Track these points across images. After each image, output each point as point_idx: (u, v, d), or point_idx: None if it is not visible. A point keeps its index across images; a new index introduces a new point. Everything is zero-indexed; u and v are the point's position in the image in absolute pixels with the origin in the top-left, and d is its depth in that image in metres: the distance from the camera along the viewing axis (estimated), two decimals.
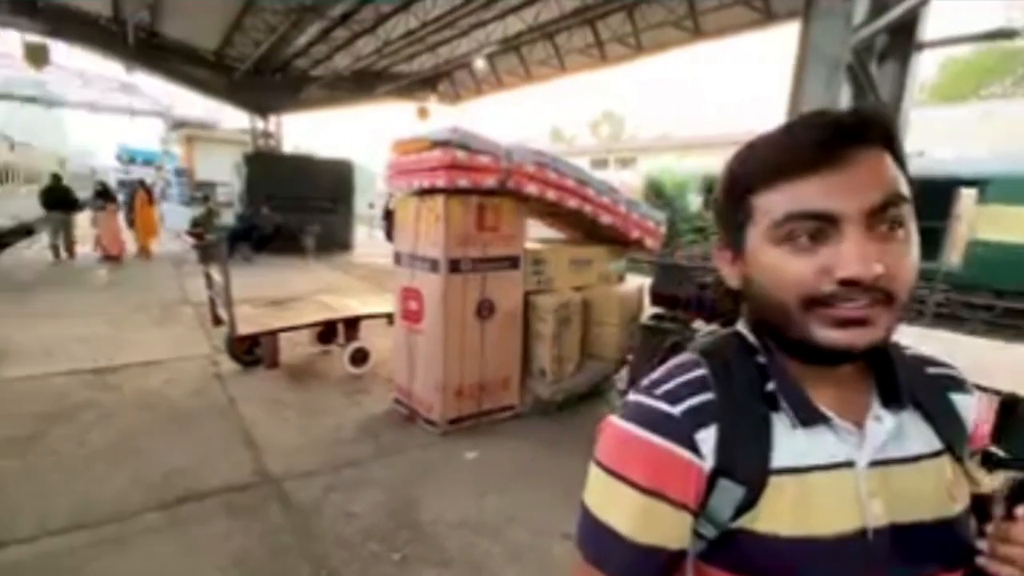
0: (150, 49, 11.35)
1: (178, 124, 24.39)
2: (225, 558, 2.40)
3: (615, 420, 0.62)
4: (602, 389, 4.48)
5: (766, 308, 0.58)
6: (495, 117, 26.57)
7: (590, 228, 4.50)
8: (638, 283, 4.70)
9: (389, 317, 5.05)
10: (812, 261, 0.53)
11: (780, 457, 0.56)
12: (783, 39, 6.01)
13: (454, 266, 3.56)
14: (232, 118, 21.03)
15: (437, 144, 3.46)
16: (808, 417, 0.57)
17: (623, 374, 4.38)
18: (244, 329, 4.38)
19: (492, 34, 10.38)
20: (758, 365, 0.61)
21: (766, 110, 14.04)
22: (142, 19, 10.47)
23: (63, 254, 10.85)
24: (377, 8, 9.37)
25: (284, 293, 7.66)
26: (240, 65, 12.16)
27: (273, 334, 4.56)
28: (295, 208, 12.97)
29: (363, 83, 13.26)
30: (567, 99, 45.13)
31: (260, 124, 14.07)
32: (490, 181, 3.57)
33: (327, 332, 5.28)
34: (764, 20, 8.31)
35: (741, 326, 0.65)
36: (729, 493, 0.56)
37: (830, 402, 0.58)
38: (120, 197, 13.66)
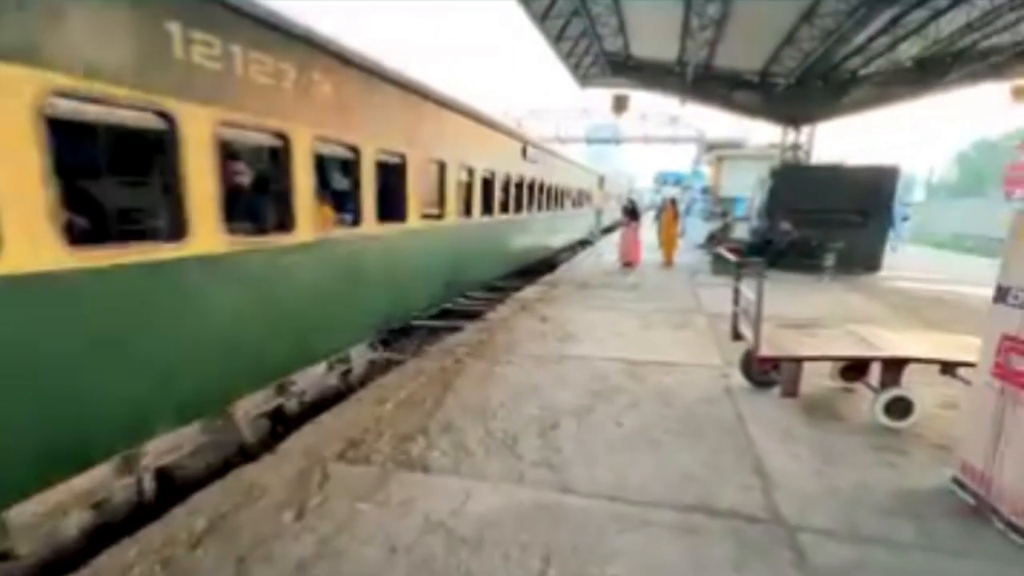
0: (702, 81, 12.83)
1: (710, 146, 26.96)
2: None
3: None
4: None
5: None
6: None
7: None
8: None
9: (946, 365, 3.94)
10: None
11: None
12: None
13: None
14: (760, 134, 21.56)
15: None
16: None
17: None
18: (766, 351, 4.19)
19: None
20: None
21: None
22: (701, 57, 11.88)
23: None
24: None
25: (799, 314, 7.15)
26: (782, 80, 12.23)
27: (798, 362, 4.19)
28: (816, 223, 12.05)
29: (930, 70, 11.12)
30: None
31: (791, 136, 13.77)
32: None
33: (855, 368, 4.52)
34: None
35: None
36: None
37: None
38: (651, 213, 16.39)
